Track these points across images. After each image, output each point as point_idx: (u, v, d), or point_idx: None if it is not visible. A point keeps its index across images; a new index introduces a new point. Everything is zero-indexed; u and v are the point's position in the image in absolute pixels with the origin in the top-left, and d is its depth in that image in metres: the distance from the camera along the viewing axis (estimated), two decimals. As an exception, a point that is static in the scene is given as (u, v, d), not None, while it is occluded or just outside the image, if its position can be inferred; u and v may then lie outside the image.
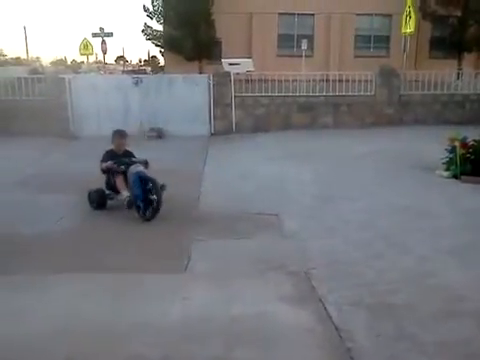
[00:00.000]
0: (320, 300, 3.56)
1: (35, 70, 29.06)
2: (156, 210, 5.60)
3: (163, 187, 5.69)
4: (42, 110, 11.85)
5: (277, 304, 3.50)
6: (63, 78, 12.13)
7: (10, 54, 63.58)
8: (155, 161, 8.76)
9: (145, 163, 5.97)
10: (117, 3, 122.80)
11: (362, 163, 8.52)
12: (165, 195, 5.73)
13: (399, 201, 6.23)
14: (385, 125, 12.27)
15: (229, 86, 12.25)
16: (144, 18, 31.81)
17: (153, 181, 5.61)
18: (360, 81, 12.62)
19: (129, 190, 5.78)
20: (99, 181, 6.17)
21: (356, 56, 26.50)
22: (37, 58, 62.31)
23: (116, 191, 6.01)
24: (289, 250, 4.66)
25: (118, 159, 5.94)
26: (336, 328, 3.17)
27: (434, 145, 8.03)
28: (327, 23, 26.92)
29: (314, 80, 12.92)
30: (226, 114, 12.33)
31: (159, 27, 28.25)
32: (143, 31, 28.87)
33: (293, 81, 12.69)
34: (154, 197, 5.57)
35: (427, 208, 5.90)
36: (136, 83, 12.11)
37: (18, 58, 57.56)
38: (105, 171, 6.00)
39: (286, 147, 10.19)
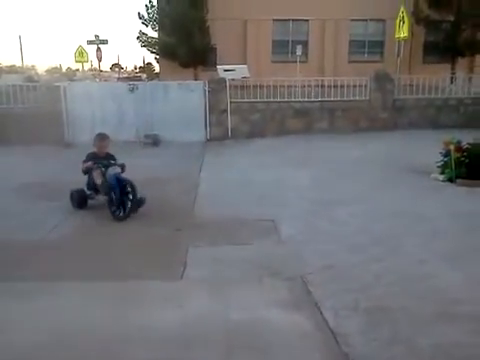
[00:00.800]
0: (316, 305, 3.56)
1: (30, 78, 29.07)
2: (131, 210, 5.93)
3: (142, 200, 6.01)
4: (37, 118, 11.83)
5: (274, 310, 3.50)
6: (58, 86, 12.13)
7: (5, 62, 63.53)
8: (150, 168, 8.83)
9: (122, 166, 6.25)
10: (112, 11, 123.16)
11: (358, 167, 8.55)
12: (161, 200, 5.85)
13: (395, 205, 6.25)
14: (380, 129, 12.33)
15: (225, 92, 12.28)
16: (139, 25, 31.91)
17: (130, 183, 5.97)
18: (355, 86, 12.69)
19: (105, 187, 6.15)
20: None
21: (351, 61, 26.64)
22: (32, 66, 62.32)
23: (96, 191, 6.38)
24: (286, 255, 4.66)
25: (98, 161, 6.32)
26: (332, 332, 3.17)
27: (429, 149, 8.07)
28: (321, 29, 27.07)
29: (309, 85, 12.98)
30: (222, 120, 12.35)
31: (154, 34, 28.38)
32: (138, 38, 29.02)
33: (288, 87, 12.74)
34: (130, 197, 5.94)
35: (423, 211, 5.91)
36: (132, 90, 12.11)
37: (13, 66, 57.47)
38: (85, 172, 6.35)
39: (282, 152, 10.22)
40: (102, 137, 6.61)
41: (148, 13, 27.71)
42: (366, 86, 12.75)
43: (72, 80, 25.54)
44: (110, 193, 6.04)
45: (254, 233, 5.31)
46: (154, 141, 11.76)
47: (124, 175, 6.14)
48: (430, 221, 5.55)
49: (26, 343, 3.12)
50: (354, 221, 5.61)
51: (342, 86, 12.70)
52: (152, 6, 27.44)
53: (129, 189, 5.95)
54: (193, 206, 6.45)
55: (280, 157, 9.69)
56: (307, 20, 27.08)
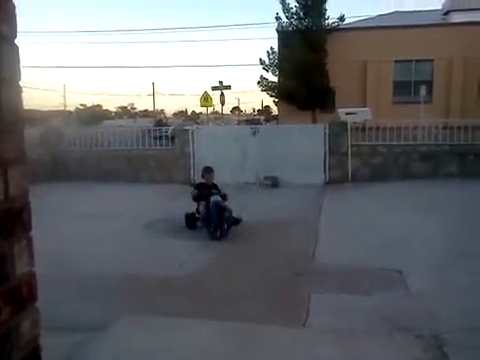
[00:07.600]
0: (456, 370, 3.24)
1: (160, 121, 31.74)
2: (227, 231, 7.07)
3: (238, 220, 7.26)
4: (167, 159, 12.79)
5: (407, 370, 3.26)
6: (187, 129, 13.00)
7: (139, 107, 70.65)
8: (270, 210, 8.97)
9: (224, 195, 7.54)
10: (232, 57, 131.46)
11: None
12: (281, 243, 5.77)
13: None
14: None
15: (346, 135, 12.13)
16: (259, 70, 33.24)
17: (228, 209, 7.17)
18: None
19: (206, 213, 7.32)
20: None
21: (481, 101, 24.87)
22: (161, 110, 67.99)
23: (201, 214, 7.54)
24: (415, 310, 4.35)
25: (204, 189, 7.61)
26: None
27: None
28: (448, 68, 25.80)
29: (436, 127, 12.33)
30: (342, 163, 12.16)
31: (274, 78, 29.30)
32: (259, 82, 30.12)
33: (413, 128, 12.23)
34: (226, 220, 7.06)
35: None
36: (254, 133, 12.52)
37: (145, 110, 63.31)
38: (194, 198, 7.65)
39: (407, 197, 9.71)
40: (207, 170, 8.08)
41: (269, 59, 28.80)
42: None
43: (197, 123, 27.28)
44: (210, 217, 7.13)
45: (380, 283, 5.06)
46: (273, 183, 11.94)
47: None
48: None
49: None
50: (494, 277, 5.07)
51: (474, 128, 11.85)
52: (273, 52, 28.51)
53: (227, 214, 7.07)
54: (313, 250, 6.37)
55: (404, 202, 9.20)
56: (432, 60, 26.05)
